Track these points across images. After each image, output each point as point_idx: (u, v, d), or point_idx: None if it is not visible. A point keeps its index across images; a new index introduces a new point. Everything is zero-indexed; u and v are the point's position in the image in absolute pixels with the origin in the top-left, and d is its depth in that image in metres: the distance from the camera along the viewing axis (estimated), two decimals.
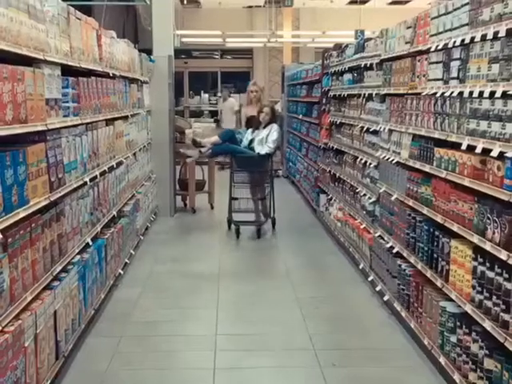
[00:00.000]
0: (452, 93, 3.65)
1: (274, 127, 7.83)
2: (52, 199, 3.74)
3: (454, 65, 3.69)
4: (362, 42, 6.26)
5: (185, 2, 19.38)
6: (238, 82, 21.65)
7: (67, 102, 4.19)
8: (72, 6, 4.46)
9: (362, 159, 6.03)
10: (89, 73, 4.96)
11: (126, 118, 6.50)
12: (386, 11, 18.62)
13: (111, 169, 5.63)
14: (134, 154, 7.07)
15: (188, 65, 20.26)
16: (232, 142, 7.91)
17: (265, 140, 7.74)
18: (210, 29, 18.36)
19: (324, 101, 8.24)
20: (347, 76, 6.83)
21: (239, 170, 7.88)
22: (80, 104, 4.50)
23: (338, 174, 7.24)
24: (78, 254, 4.39)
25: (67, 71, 4.28)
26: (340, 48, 7.45)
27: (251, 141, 7.88)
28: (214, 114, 17.21)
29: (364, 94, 5.99)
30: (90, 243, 4.71)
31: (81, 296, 4.36)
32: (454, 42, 3.64)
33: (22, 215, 3.20)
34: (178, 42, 10.47)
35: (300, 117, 10.76)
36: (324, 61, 8.37)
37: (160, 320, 4.91)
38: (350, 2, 19.31)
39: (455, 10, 3.70)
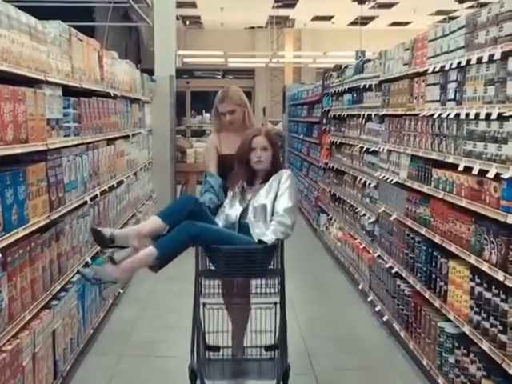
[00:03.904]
0: (449, 114, 3.69)
1: (285, 177, 3.86)
2: (52, 218, 3.76)
3: (451, 87, 3.73)
4: (362, 63, 6.31)
5: (187, 22, 19.58)
6: None
7: (68, 121, 4.22)
8: (75, 26, 4.52)
9: (361, 179, 6.06)
10: (90, 93, 5.00)
11: (127, 137, 6.54)
12: (387, 32, 18.78)
13: (112, 188, 5.65)
14: (135, 173, 7.10)
15: (190, 85, 20.39)
16: (198, 216, 3.71)
17: (270, 209, 3.79)
18: (212, 49, 18.54)
19: (324, 121, 8.28)
20: (347, 96, 6.88)
21: (219, 276, 3.80)
22: (81, 124, 4.54)
23: (337, 194, 7.26)
24: (77, 273, 4.40)
25: (69, 91, 4.33)
26: (340, 69, 7.51)
27: (242, 211, 3.85)
28: None
29: (363, 115, 6.03)
30: (90, 262, 4.72)
31: (80, 315, 4.36)
32: (451, 64, 3.68)
33: (21, 234, 3.22)
34: (180, 62, 10.55)
35: (301, 137, 10.81)
36: (324, 81, 8.43)
37: (159, 339, 4.90)
38: (351, 23, 19.49)
39: (452, 32, 3.74)
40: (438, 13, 17.51)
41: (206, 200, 3.98)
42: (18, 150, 3.21)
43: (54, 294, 3.83)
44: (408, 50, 4.63)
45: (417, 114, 4.33)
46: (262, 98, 21.15)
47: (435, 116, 3.93)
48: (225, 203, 3.99)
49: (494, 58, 3.12)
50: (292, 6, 16.91)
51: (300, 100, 11.21)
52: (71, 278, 4.24)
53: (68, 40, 4.28)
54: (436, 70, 3.95)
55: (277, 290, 3.80)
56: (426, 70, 4.14)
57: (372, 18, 18.72)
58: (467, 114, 3.42)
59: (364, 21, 18.60)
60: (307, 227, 9.47)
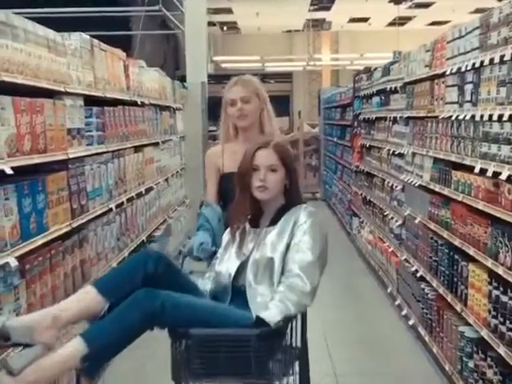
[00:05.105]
0: (465, 116, 3.65)
1: (303, 216, 2.63)
2: (74, 226, 3.84)
3: (468, 88, 3.69)
4: (389, 65, 6.27)
5: (225, 28, 19.73)
6: (278, 105, 21.89)
7: (91, 131, 4.31)
8: (110, 36, 4.60)
9: (389, 182, 6.03)
10: (117, 102, 5.08)
11: (156, 144, 6.62)
12: (425, 32, 18.49)
13: (140, 195, 5.73)
14: (167, 179, 7.18)
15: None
16: (162, 280, 2.47)
17: (278, 265, 2.55)
18: (250, 54, 18.64)
19: (355, 124, 8.25)
20: (375, 99, 6.85)
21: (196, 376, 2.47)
22: (105, 132, 4.62)
23: (368, 197, 7.23)
24: None
25: (94, 101, 4.42)
26: (369, 71, 7.48)
27: (240, 267, 2.63)
28: None
29: (390, 117, 6.00)
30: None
31: None
32: (467, 65, 3.65)
33: (40, 242, 3.30)
34: (212, 68, 10.62)
35: (335, 139, 10.78)
36: (355, 84, 8.40)
37: None
38: (389, 24, 19.36)
39: (467, 33, 3.71)
40: (477, 11, 17.23)
41: (193, 247, 2.82)
42: (36, 160, 3.29)
43: None
44: (429, 51, 4.59)
45: (437, 116, 4.29)
46: (300, 101, 21.16)
47: (453, 118, 3.90)
48: (218, 253, 2.78)
49: (505, 58, 3.08)
50: (327, 8, 16.89)
51: (334, 103, 11.19)
52: None
53: (90, 51, 4.36)
54: (453, 71, 3.92)
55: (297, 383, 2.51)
56: (445, 72, 4.11)
57: (409, 19, 18.56)
58: (481, 116, 3.39)
59: (402, 21, 18.45)
60: (341, 230, 9.43)
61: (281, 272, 2.55)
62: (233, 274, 2.63)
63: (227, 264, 2.67)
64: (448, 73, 4.03)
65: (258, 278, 2.55)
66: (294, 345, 2.57)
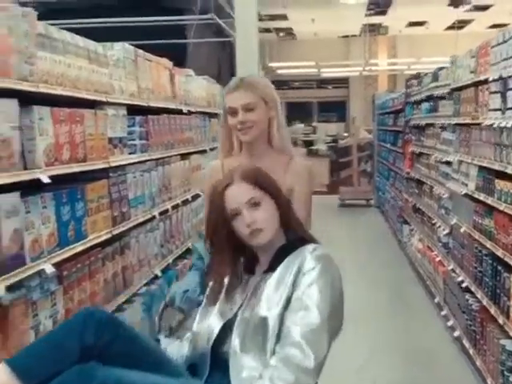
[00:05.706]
0: (507, 123, 3.56)
1: (310, 261, 1.95)
2: (114, 233, 3.90)
3: (510, 95, 3.59)
4: (437, 71, 6.18)
5: (280, 34, 19.76)
6: (335, 111, 21.94)
7: (134, 139, 4.37)
8: (165, 44, 4.64)
9: (437, 189, 5.93)
10: (162, 110, 5.15)
11: (204, 151, 6.68)
12: (485, 35, 18.13)
13: (186, 202, 5.79)
14: None
15: (284, 95, 20.54)
16: (110, 350, 1.78)
17: (273, 328, 1.88)
18: (306, 59, 18.61)
19: (407, 130, 8.14)
20: (425, 105, 6.76)
21: None
22: (149, 141, 4.69)
23: (418, 205, 7.12)
24: (145, 285, 4.54)
25: (139, 110, 4.50)
26: (420, 77, 7.38)
27: (225, 328, 1.98)
28: (307, 144, 17.32)
29: (438, 124, 5.90)
30: (159, 275, 4.85)
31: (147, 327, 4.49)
32: (508, 72, 3.56)
33: (78, 249, 3.37)
34: (263, 74, 10.62)
35: (388, 146, 10.66)
36: (406, 90, 8.30)
37: None
38: (448, 28, 19.02)
39: (510, 38, 3.62)
40: None
41: (175, 296, 2.33)
42: (74, 168, 3.36)
43: (117, 306, 3.97)
44: (474, 57, 4.50)
45: (481, 123, 4.20)
46: (356, 106, 21.01)
47: (495, 125, 3.81)
48: (202, 305, 2.14)
49: None
50: (384, 13, 16.71)
51: (387, 109, 11.07)
52: (138, 290, 4.38)
53: (134, 61, 4.43)
54: (495, 77, 3.83)
55: None
56: (487, 78, 4.02)
57: (469, 22, 18.20)
58: None
59: (461, 25, 18.10)
60: (393, 238, 9.32)
61: (277, 336, 1.89)
62: (213, 337, 1.98)
63: (208, 323, 2.03)
64: (491, 79, 3.94)
65: (247, 344, 1.90)
66: None
